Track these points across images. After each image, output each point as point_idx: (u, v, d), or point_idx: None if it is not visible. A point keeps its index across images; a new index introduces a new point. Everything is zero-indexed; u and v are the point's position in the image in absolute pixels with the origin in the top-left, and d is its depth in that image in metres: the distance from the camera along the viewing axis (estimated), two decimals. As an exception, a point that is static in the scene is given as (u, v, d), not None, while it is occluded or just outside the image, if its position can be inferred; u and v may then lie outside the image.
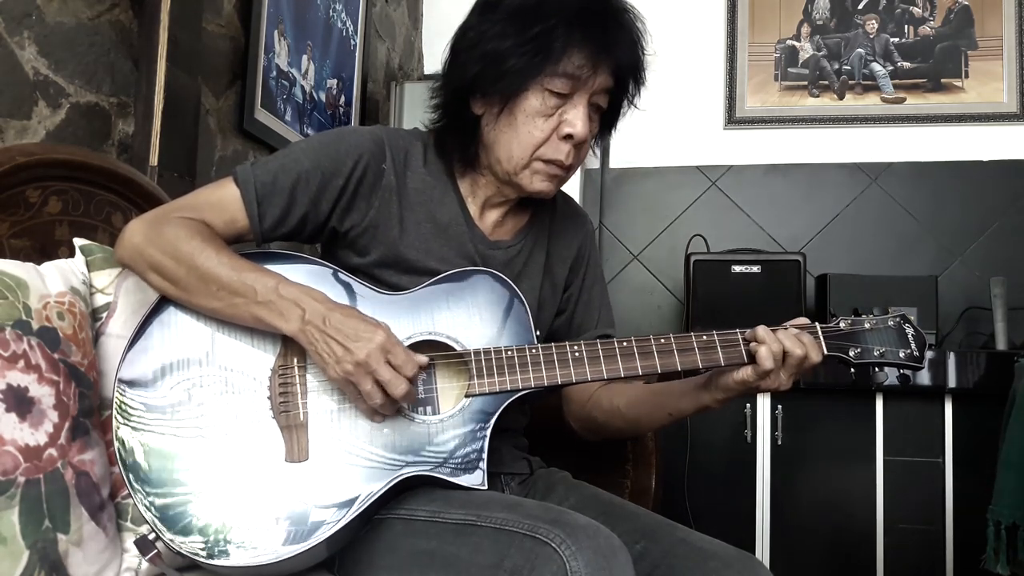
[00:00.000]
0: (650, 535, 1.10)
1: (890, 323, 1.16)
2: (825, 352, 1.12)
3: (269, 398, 1.06)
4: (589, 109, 1.15)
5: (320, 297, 1.04)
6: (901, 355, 1.14)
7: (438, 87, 1.21)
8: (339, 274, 1.13)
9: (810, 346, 1.10)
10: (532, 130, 1.14)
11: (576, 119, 1.14)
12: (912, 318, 1.17)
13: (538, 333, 1.15)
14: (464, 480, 1.06)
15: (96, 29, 1.53)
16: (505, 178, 1.19)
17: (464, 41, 1.16)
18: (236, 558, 0.98)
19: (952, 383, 2.28)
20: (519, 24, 1.11)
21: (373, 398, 1.01)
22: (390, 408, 1.04)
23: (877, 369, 1.15)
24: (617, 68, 1.15)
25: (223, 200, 1.12)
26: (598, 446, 1.38)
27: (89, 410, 1.04)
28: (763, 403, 2.39)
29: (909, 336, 1.15)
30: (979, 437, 2.27)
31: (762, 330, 1.10)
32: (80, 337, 1.06)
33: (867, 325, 1.15)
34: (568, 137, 1.15)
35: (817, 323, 1.15)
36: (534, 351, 1.11)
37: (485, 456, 1.07)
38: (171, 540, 0.98)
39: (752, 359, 1.10)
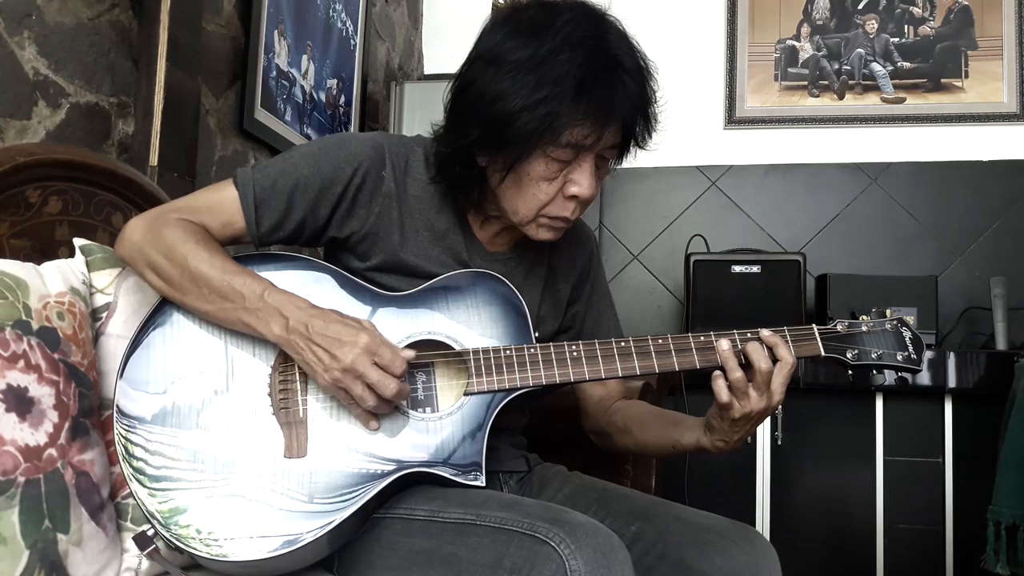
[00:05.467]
0: (645, 516, 1.11)
1: (887, 326, 1.15)
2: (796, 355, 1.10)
3: (269, 395, 1.06)
4: (596, 160, 1.13)
5: (303, 304, 1.04)
6: (899, 358, 1.14)
7: (439, 134, 1.17)
8: (339, 275, 1.14)
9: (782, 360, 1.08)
10: (537, 192, 1.12)
11: (582, 179, 1.11)
12: (912, 319, 1.17)
13: (537, 334, 1.15)
14: (463, 478, 1.06)
15: (96, 29, 1.53)
16: (510, 223, 1.18)
17: (463, 101, 1.11)
18: (235, 554, 0.98)
19: (952, 383, 2.28)
20: (522, 85, 1.05)
21: (366, 401, 1.02)
22: (384, 408, 1.04)
23: (875, 372, 1.14)
24: (625, 125, 1.11)
25: (222, 202, 1.12)
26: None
27: (89, 410, 1.05)
28: (763, 403, 2.39)
29: (907, 339, 1.14)
30: (979, 437, 2.27)
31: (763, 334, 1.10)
32: (80, 337, 1.06)
33: (864, 328, 1.15)
34: (574, 197, 1.13)
35: (814, 325, 1.14)
36: (532, 351, 1.11)
37: (484, 454, 1.08)
38: (170, 536, 0.98)
39: (747, 361, 1.09)
